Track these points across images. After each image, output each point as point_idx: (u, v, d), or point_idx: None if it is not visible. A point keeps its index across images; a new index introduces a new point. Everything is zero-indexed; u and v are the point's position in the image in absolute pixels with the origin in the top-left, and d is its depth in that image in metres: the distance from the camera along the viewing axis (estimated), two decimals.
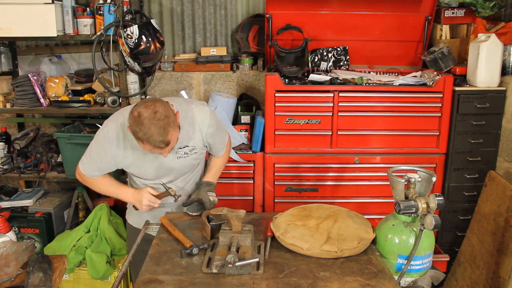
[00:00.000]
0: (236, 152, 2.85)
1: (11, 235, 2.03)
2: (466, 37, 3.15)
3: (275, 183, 2.87)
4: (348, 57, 3.15)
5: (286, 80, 2.84)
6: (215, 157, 2.17)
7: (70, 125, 3.18)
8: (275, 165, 2.85)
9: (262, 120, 2.80)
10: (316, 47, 3.12)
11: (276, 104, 2.76)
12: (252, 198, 2.92)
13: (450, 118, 2.81)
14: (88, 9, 2.83)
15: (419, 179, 1.67)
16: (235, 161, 2.84)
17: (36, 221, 3.05)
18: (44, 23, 2.67)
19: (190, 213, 1.96)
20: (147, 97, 3.15)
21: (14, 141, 3.21)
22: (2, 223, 2.16)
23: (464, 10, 3.08)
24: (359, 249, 1.62)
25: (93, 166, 1.97)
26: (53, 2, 2.65)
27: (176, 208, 2.13)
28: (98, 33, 2.73)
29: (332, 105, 2.75)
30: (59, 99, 2.94)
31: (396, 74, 3.11)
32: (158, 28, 2.72)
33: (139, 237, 1.87)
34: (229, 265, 1.45)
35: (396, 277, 1.57)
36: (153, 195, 1.95)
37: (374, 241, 1.69)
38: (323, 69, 3.13)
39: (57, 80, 3.00)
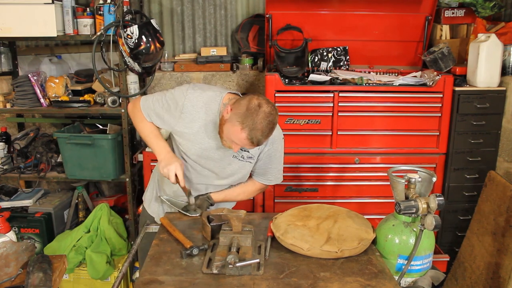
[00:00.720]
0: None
1: (11, 235, 2.02)
2: (466, 37, 3.16)
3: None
4: (348, 57, 3.15)
5: (286, 80, 2.84)
6: (241, 184, 2.06)
7: (70, 125, 3.18)
8: None
9: None
10: (316, 47, 3.12)
11: (276, 104, 2.74)
12: (252, 198, 2.92)
13: (450, 118, 2.81)
14: (88, 9, 2.83)
15: (419, 179, 1.67)
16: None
17: (36, 221, 3.05)
18: (44, 23, 2.66)
19: (190, 215, 1.95)
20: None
21: (14, 141, 3.21)
22: (2, 223, 2.15)
23: (464, 10, 3.08)
24: (360, 250, 1.62)
25: (156, 109, 1.89)
26: (53, 2, 2.65)
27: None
28: (98, 33, 2.73)
29: (332, 105, 2.75)
30: (59, 99, 2.94)
31: (396, 74, 3.11)
32: (158, 28, 2.72)
33: (139, 237, 1.87)
34: (230, 266, 1.45)
35: (396, 277, 1.57)
36: (181, 175, 1.84)
37: (374, 241, 1.69)
38: (323, 69, 3.13)
39: (57, 80, 3.00)
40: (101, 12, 2.73)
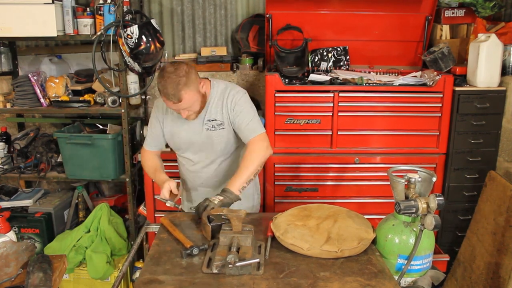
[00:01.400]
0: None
1: (11, 235, 2.02)
2: (466, 37, 3.15)
3: (275, 183, 2.87)
4: (348, 57, 3.15)
5: (286, 80, 2.84)
6: (243, 156, 2.05)
7: (70, 125, 3.18)
8: (275, 165, 2.85)
9: (262, 120, 2.80)
10: (316, 47, 3.12)
11: (276, 104, 2.76)
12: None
13: (450, 118, 2.81)
14: (88, 9, 2.83)
15: (419, 179, 1.67)
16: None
17: (36, 221, 3.05)
18: (44, 23, 2.66)
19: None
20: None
21: (14, 141, 3.21)
22: (2, 223, 2.15)
23: (464, 10, 3.08)
24: (359, 249, 1.62)
25: (149, 136, 2.21)
26: (53, 2, 2.65)
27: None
28: (98, 33, 2.73)
29: (332, 105, 2.75)
30: (59, 99, 2.94)
31: (396, 74, 3.11)
32: (158, 28, 2.72)
33: (138, 238, 1.87)
34: (230, 266, 1.45)
35: (396, 277, 1.57)
36: (170, 192, 2.01)
37: (374, 241, 1.69)
38: (323, 69, 3.13)
39: (57, 80, 3.00)
40: (101, 12, 2.73)
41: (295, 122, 2.79)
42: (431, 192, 1.69)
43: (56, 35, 2.71)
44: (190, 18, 3.42)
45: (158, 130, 2.17)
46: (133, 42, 2.62)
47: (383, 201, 2.86)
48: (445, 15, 3.10)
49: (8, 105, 2.97)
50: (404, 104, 2.78)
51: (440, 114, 2.80)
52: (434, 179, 1.69)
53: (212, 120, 2.07)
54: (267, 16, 3.00)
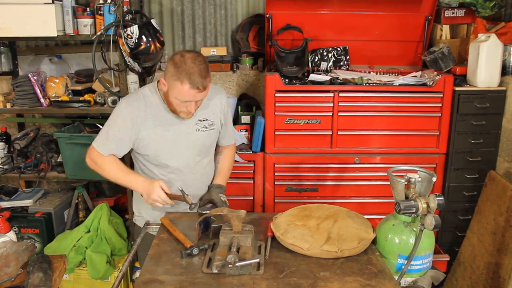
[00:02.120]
0: (236, 152, 2.85)
1: (11, 235, 2.02)
2: (466, 37, 3.16)
3: (275, 183, 2.87)
4: (348, 57, 3.15)
5: (286, 80, 2.84)
6: (222, 158, 2.19)
7: (70, 125, 3.18)
8: (275, 165, 2.85)
9: (262, 120, 2.80)
10: (316, 47, 3.12)
11: (276, 104, 2.76)
12: (252, 198, 2.92)
13: (450, 118, 2.81)
14: (88, 9, 2.83)
15: (419, 179, 1.67)
16: (235, 161, 2.84)
17: (36, 221, 3.05)
18: (44, 23, 2.66)
19: (202, 212, 1.92)
20: None
21: (14, 141, 3.21)
22: (2, 223, 2.15)
23: (464, 10, 3.08)
24: (359, 249, 1.62)
25: (111, 141, 1.91)
26: (53, 2, 2.65)
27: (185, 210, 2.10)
28: (98, 33, 2.73)
29: (332, 105, 2.75)
30: (59, 99, 2.94)
31: (396, 74, 3.11)
32: (158, 28, 2.72)
33: (139, 238, 1.87)
34: (230, 266, 1.45)
35: (396, 277, 1.57)
36: (166, 193, 1.86)
37: (374, 241, 1.69)
38: (323, 69, 3.13)
39: (57, 80, 3.00)
40: (101, 12, 2.73)
41: (295, 122, 2.79)
42: (431, 192, 1.68)
43: (56, 35, 2.71)
44: (190, 18, 3.42)
45: (127, 135, 1.89)
46: (133, 42, 2.62)
47: (383, 201, 2.86)
48: (445, 15, 3.10)
49: (8, 105, 2.97)
50: (404, 104, 2.78)
51: (440, 114, 2.80)
52: (434, 179, 1.69)
53: (204, 120, 2.00)
54: (267, 16, 3.00)
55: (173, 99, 1.82)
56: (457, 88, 2.78)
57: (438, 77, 2.75)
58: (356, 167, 2.85)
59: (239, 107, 3.08)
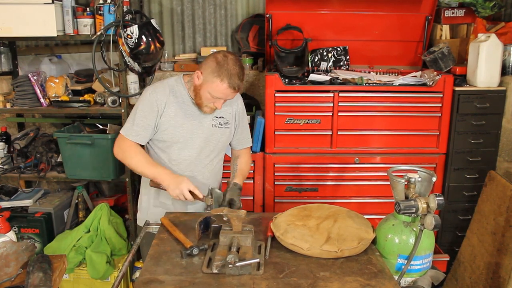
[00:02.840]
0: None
1: (11, 235, 2.02)
2: (466, 37, 3.16)
3: (275, 183, 2.87)
4: (348, 57, 3.15)
5: (286, 80, 2.84)
6: (240, 160, 2.21)
7: (70, 125, 3.18)
8: (275, 165, 2.85)
9: (262, 120, 2.80)
10: (316, 47, 3.12)
11: (276, 104, 2.76)
12: (252, 198, 2.92)
13: (450, 118, 2.81)
14: (88, 9, 2.83)
15: (419, 179, 1.67)
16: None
17: (36, 221, 3.05)
18: (44, 23, 2.66)
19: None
20: None
21: (14, 141, 3.21)
22: (2, 223, 2.15)
23: (464, 10, 3.08)
24: (359, 249, 1.62)
25: (137, 126, 1.95)
26: (53, 2, 2.65)
27: (200, 209, 2.16)
28: (98, 33, 2.73)
29: (332, 105, 2.75)
30: (59, 99, 2.94)
31: (396, 74, 3.11)
32: (158, 28, 2.72)
33: (138, 238, 1.87)
34: (230, 265, 1.45)
35: (396, 277, 1.57)
36: (194, 188, 1.89)
37: (374, 241, 1.69)
38: (323, 69, 3.13)
39: (57, 80, 3.00)
40: (101, 12, 2.73)
41: (295, 122, 2.79)
42: (431, 192, 1.69)
43: (56, 35, 2.71)
44: (190, 18, 3.42)
45: (152, 120, 1.96)
46: (133, 42, 2.62)
47: (383, 201, 2.86)
48: (445, 15, 3.10)
49: (8, 105, 2.97)
50: (404, 104, 2.78)
51: (440, 114, 2.80)
52: (434, 179, 1.69)
53: (220, 117, 2.07)
54: (267, 16, 3.00)
55: (205, 93, 1.91)
56: (457, 88, 2.78)
57: (438, 77, 2.75)
58: (356, 167, 2.85)
59: None
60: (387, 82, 2.80)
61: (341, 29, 3.12)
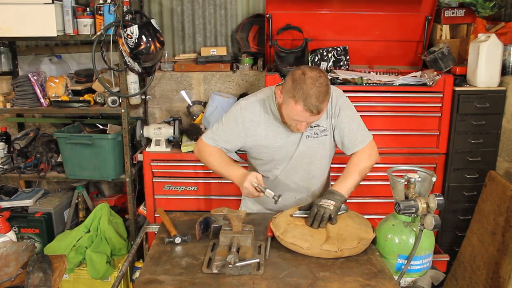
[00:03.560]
0: (236, 152, 2.85)
1: (11, 235, 2.02)
2: (466, 37, 3.15)
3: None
4: (348, 57, 3.14)
5: None
6: (348, 164, 1.92)
7: (70, 125, 3.18)
8: None
9: None
10: (316, 47, 3.12)
11: None
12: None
13: (450, 118, 2.81)
14: (88, 9, 2.83)
15: (419, 179, 1.67)
16: (235, 161, 2.84)
17: (36, 221, 3.05)
18: (44, 23, 2.66)
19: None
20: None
21: (14, 141, 3.21)
22: (2, 223, 2.15)
23: (464, 10, 3.08)
24: (359, 249, 1.62)
25: (222, 138, 1.92)
26: (53, 2, 2.65)
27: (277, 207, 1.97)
28: (98, 33, 2.73)
29: None
30: (59, 99, 2.94)
31: (396, 74, 3.11)
32: (158, 28, 2.72)
33: (138, 238, 1.87)
34: (230, 266, 1.45)
35: (396, 277, 1.57)
36: (259, 180, 1.79)
37: (374, 241, 1.69)
38: (323, 69, 3.12)
39: (57, 80, 3.00)
40: (101, 12, 2.73)
41: None
42: (431, 192, 1.69)
43: (56, 35, 2.71)
44: (190, 18, 3.42)
45: (234, 137, 1.90)
46: (133, 42, 2.62)
47: (383, 201, 2.85)
48: (445, 15, 3.10)
49: (8, 105, 2.97)
50: (404, 104, 2.77)
51: (440, 114, 2.80)
52: (434, 179, 1.69)
53: (314, 126, 1.88)
54: (267, 16, 3.00)
55: (285, 113, 1.76)
56: (457, 88, 2.78)
57: (438, 77, 2.75)
58: None
59: None
60: (387, 82, 2.80)
61: (341, 29, 3.12)
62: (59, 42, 3.41)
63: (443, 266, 2.71)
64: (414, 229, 1.63)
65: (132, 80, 2.98)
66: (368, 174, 2.84)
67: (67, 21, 2.76)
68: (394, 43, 3.17)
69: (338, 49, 3.13)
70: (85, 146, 2.89)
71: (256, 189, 1.78)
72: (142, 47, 2.63)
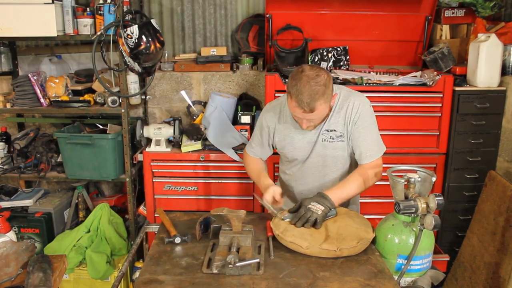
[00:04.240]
0: (236, 152, 2.85)
1: (11, 235, 2.02)
2: (466, 37, 3.15)
3: (275, 183, 2.86)
4: (348, 57, 3.14)
5: (286, 80, 2.83)
6: (354, 174, 1.90)
7: (70, 125, 3.18)
8: (275, 165, 2.84)
9: None
10: (316, 47, 3.12)
11: None
12: (252, 198, 2.92)
13: (450, 118, 2.81)
14: (88, 9, 2.83)
15: (419, 179, 1.67)
16: (234, 161, 2.84)
17: (36, 221, 3.05)
18: (44, 23, 2.66)
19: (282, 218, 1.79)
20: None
21: (14, 141, 3.21)
22: (2, 223, 2.16)
23: (464, 10, 3.08)
24: (358, 249, 1.62)
25: (256, 143, 2.09)
26: (53, 2, 2.65)
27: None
28: (98, 33, 2.73)
29: None
30: (59, 99, 2.94)
31: (396, 74, 3.11)
32: (158, 28, 2.72)
33: (138, 238, 1.87)
34: (230, 266, 1.45)
35: (396, 277, 1.57)
36: (273, 198, 1.86)
37: (374, 241, 1.69)
38: None
39: (57, 80, 3.00)
40: (101, 12, 2.73)
41: None
42: (431, 192, 1.69)
43: (56, 35, 2.71)
44: (190, 18, 3.42)
45: (265, 138, 2.03)
46: (133, 42, 2.62)
47: (383, 201, 2.85)
48: (445, 15, 3.10)
49: (8, 105, 2.97)
50: (404, 104, 2.77)
51: (440, 114, 2.80)
52: (434, 179, 1.69)
53: (331, 131, 1.89)
54: (267, 16, 3.00)
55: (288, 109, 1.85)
56: (457, 88, 2.78)
57: (438, 77, 2.75)
58: None
59: (239, 107, 3.08)
60: (387, 82, 2.80)
61: (341, 29, 3.12)
62: (59, 42, 3.41)
63: (443, 266, 2.71)
64: (414, 229, 1.63)
65: (132, 80, 2.98)
66: None
67: (67, 21, 2.76)
68: (394, 43, 3.17)
69: (338, 49, 3.13)
70: (85, 146, 2.89)
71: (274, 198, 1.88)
72: (142, 47, 2.63)
